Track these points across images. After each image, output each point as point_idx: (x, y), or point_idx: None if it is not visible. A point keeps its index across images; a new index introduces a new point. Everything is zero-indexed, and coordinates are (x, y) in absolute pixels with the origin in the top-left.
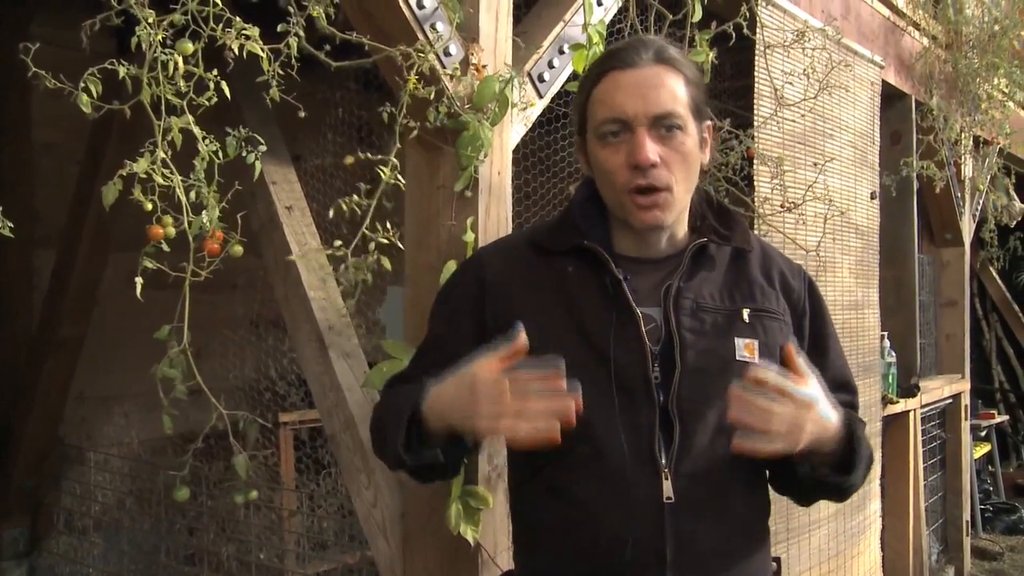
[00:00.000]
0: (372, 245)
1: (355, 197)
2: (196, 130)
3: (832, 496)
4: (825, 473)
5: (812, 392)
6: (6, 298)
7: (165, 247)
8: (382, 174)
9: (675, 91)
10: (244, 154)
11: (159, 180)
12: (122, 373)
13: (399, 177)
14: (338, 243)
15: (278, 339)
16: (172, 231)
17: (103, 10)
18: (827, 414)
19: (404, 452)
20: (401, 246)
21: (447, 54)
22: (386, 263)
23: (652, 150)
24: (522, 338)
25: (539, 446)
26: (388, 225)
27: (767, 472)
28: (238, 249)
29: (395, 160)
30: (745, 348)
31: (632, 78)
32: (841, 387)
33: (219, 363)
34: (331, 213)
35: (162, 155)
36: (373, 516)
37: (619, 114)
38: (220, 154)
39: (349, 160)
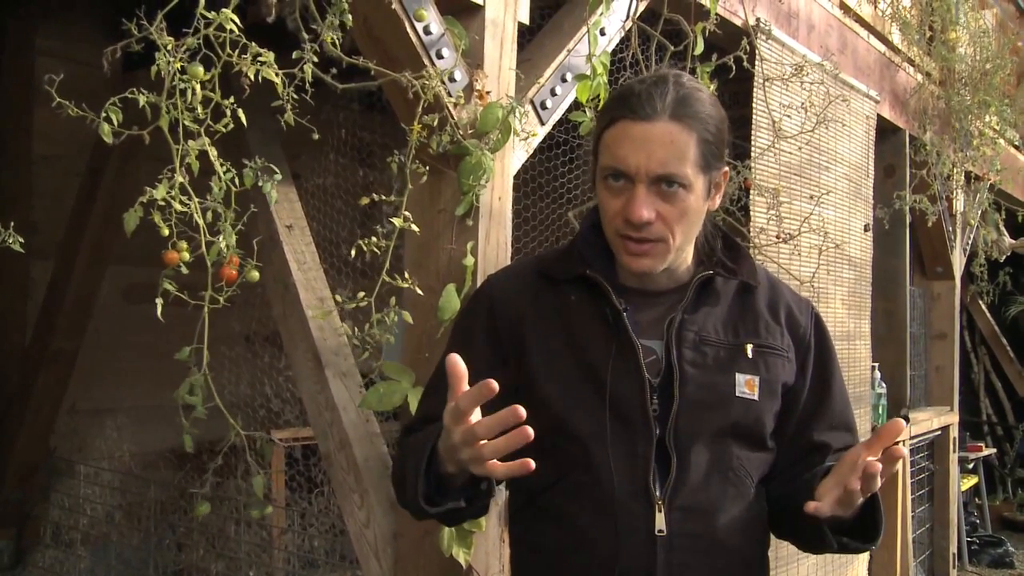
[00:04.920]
0: (393, 300)
1: (373, 239)
2: (213, 153)
3: (843, 552)
4: (846, 542)
5: None
6: (1, 309)
7: (184, 269)
8: (396, 223)
9: (683, 151)
10: (260, 183)
11: (177, 207)
12: (115, 386)
13: (412, 226)
14: (361, 294)
15: (274, 356)
16: (187, 255)
17: (108, 24)
18: None
19: (425, 503)
20: (420, 292)
21: (452, 80)
22: (408, 317)
23: (648, 208)
24: (457, 369)
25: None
26: (407, 274)
27: (768, 511)
28: (254, 275)
29: (407, 213)
30: (746, 384)
31: (641, 132)
32: (842, 428)
33: (214, 379)
34: (352, 253)
35: (180, 180)
36: (365, 536)
37: (621, 167)
38: (236, 182)
39: (364, 201)
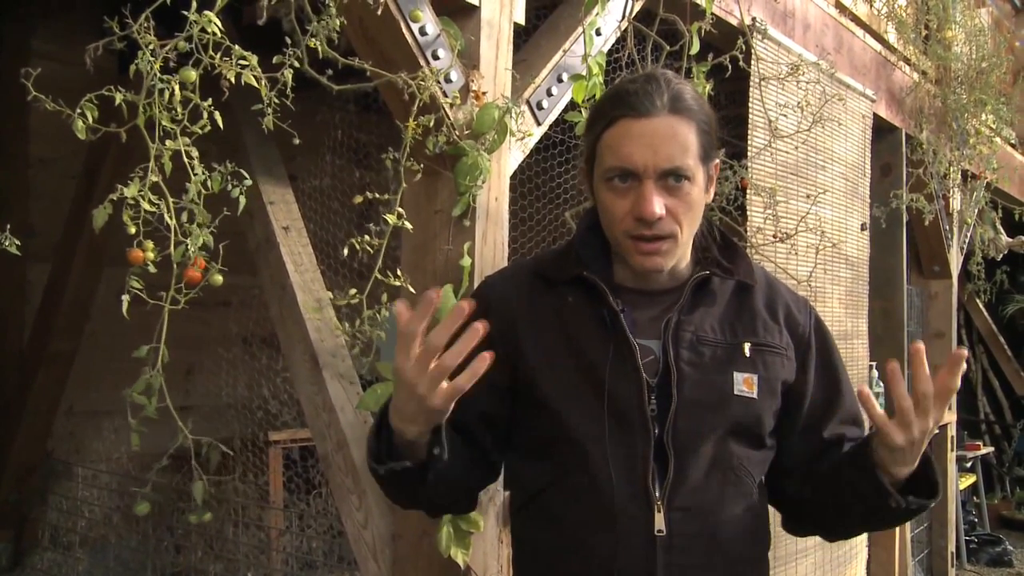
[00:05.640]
0: (384, 297)
1: (366, 237)
2: (190, 157)
3: (891, 523)
4: (911, 500)
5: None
6: None
7: (152, 268)
8: (389, 219)
9: (686, 143)
10: (229, 188)
11: (146, 206)
12: (112, 388)
13: (406, 223)
14: (353, 291)
15: (271, 358)
16: (152, 255)
17: (104, 27)
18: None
19: (373, 462)
20: (413, 291)
21: (448, 81)
22: None
23: (659, 204)
24: (403, 312)
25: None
26: (400, 272)
27: (779, 509)
28: (217, 279)
29: (401, 209)
30: (744, 383)
31: (644, 128)
32: (852, 422)
33: (211, 381)
34: (345, 252)
35: (154, 179)
36: (363, 537)
37: (628, 165)
38: (208, 184)
39: (358, 199)
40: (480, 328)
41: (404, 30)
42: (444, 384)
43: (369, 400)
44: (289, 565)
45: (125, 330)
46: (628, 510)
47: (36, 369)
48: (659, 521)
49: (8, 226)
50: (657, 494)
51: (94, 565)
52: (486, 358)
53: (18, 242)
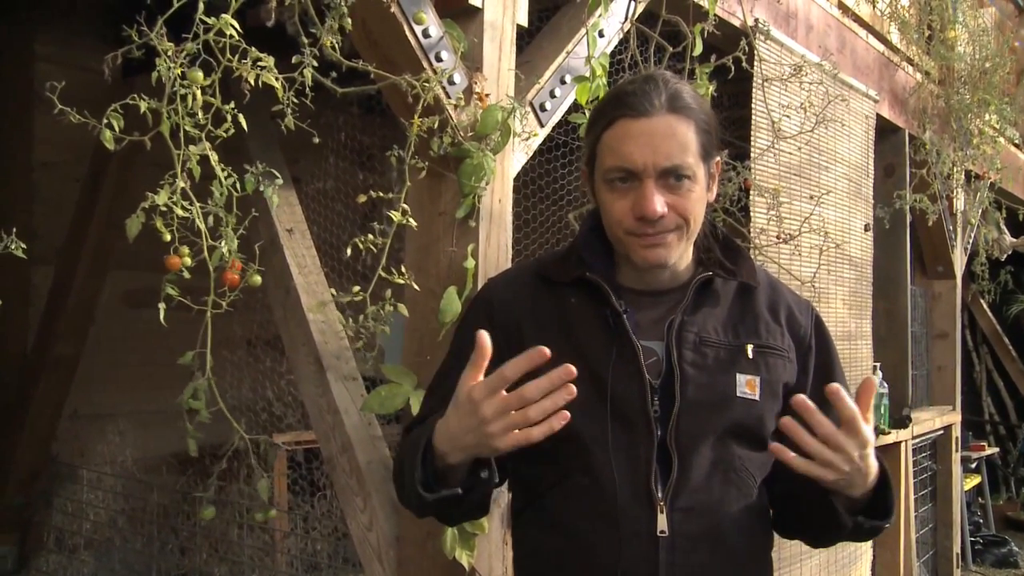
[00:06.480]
0: (388, 293)
1: (369, 236)
2: (214, 158)
3: (856, 538)
4: (860, 521)
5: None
6: (1, 315)
7: (187, 274)
8: (393, 216)
9: (685, 141)
10: (262, 188)
11: (179, 212)
12: (117, 391)
13: (410, 220)
14: (356, 288)
15: (275, 360)
16: (189, 260)
17: (105, 30)
18: (872, 459)
19: (423, 490)
20: (417, 287)
21: (451, 83)
22: (403, 310)
23: (659, 202)
24: (483, 342)
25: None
26: (403, 268)
27: (771, 512)
28: (256, 279)
29: (405, 206)
30: (747, 384)
31: (643, 128)
32: None
33: (216, 383)
34: (347, 252)
35: (182, 185)
36: (368, 539)
37: (628, 164)
38: (238, 186)
39: (362, 198)
40: (573, 390)
41: (407, 32)
42: (516, 432)
43: (373, 402)
44: (294, 567)
45: (128, 334)
46: (630, 511)
47: (40, 373)
48: (661, 522)
49: (14, 229)
50: (659, 495)
51: (99, 567)
52: (564, 416)
53: (24, 245)
